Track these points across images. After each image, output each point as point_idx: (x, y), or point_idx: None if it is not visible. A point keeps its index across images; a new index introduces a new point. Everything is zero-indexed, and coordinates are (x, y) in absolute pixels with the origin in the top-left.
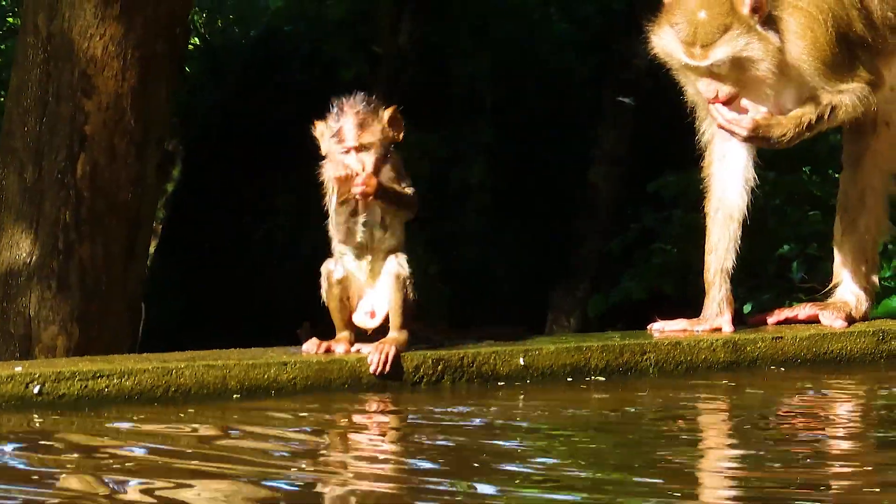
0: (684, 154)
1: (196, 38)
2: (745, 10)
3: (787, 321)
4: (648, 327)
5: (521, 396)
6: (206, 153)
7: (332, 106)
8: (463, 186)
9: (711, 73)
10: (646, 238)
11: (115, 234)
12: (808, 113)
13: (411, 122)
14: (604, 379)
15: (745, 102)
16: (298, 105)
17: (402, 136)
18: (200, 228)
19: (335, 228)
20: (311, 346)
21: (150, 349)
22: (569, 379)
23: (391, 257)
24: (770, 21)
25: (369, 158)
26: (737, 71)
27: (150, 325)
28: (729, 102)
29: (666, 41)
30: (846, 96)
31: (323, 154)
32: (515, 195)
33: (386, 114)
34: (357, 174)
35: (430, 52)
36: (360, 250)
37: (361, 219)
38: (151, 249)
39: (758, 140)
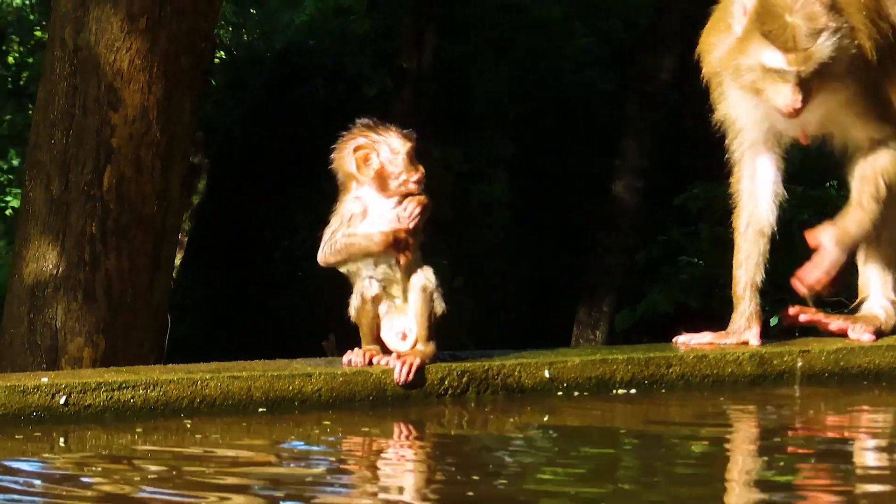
0: (709, 166)
1: (221, 52)
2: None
3: (818, 323)
4: (674, 340)
5: (546, 418)
6: (230, 167)
7: (364, 121)
8: (485, 201)
9: (801, 78)
10: (671, 251)
11: (141, 246)
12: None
13: (434, 137)
14: (629, 391)
15: None
16: (321, 120)
17: None
18: (225, 241)
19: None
20: (357, 357)
21: (175, 361)
22: (594, 391)
23: (418, 271)
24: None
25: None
26: (824, 76)
27: (175, 337)
28: (799, 113)
29: (756, 50)
30: (887, 158)
31: (363, 177)
32: (537, 209)
33: None
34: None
35: (453, 67)
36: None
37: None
38: (177, 261)
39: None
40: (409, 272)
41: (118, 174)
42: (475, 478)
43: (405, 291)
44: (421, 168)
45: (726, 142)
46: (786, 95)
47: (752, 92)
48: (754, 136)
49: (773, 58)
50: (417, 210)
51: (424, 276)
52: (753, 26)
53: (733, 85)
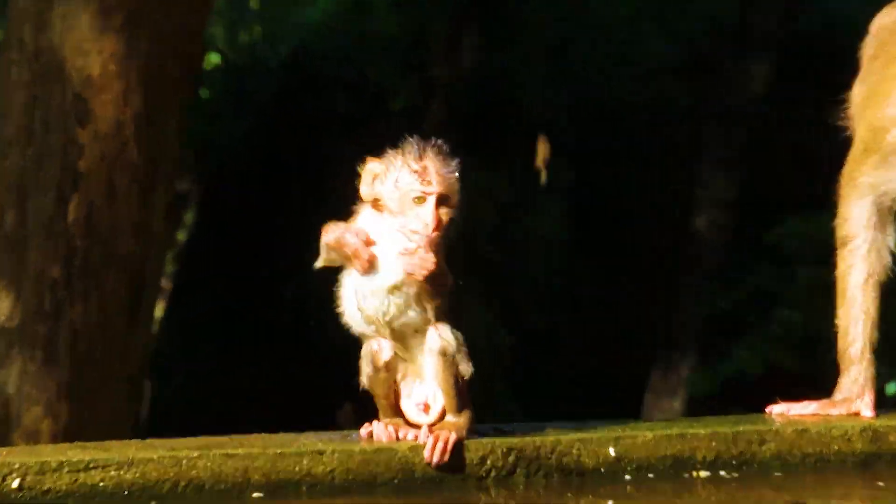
0: (808, 196)
1: (216, 56)
2: None
3: None
4: (767, 410)
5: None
6: (225, 195)
7: (411, 143)
8: (536, 238)
9: None
10: (762, 299)
11: (115, 292)
12: None
13: (474, 161)
14: (713, 474)
15: None
16: (338, 139)
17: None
18: (218, 286)
19: (356, 297)
20: (380, 431)
21: (155, 434)
22: (671, 474)
23: (430, 330)
24: None
25: (447, 214)
26: None
27: (155, 405)
28: None
29: None
30: None
31: (364, 200)
32: (599, 249)
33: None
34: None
35: (496, 76)
36: (377, 328)
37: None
38: (158, 312)
39: None
40: (412, 331)
41: (87, 204)
42: None
43: (412, 354)
44: (433, 218)
45: (848, 167)
46: None
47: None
48: None
49: None
50: (421, 266)
51: (440, 336)
52: None
53: None
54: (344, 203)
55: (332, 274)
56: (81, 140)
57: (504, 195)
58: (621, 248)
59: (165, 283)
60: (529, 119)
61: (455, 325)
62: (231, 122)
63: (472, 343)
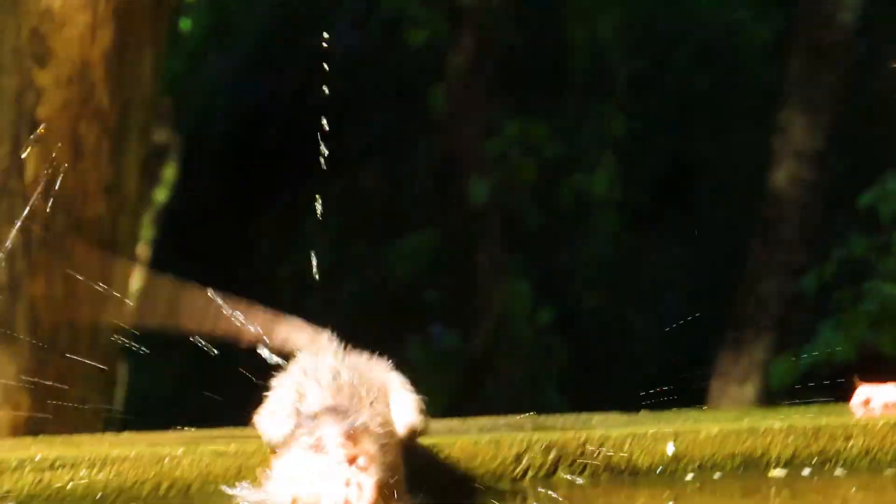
0: None
1: None
2: None
3: None
4: (852, 399)
5: None
6: (212, 148)
7: (305, 381)
8: (584, 198)
9: None
10: (854, 272)
11: (82, 263)
12: None
13: (509, 106)
14: (791, 473)
15: None
16: (347, 80)
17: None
18: (204, 255)
19: None
20: None
21: (132, 426)
22: (741, 474)
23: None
24: None
25: (368, 481)
26: None
27: (132, 392)
28: None
29: None
30: None
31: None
32: (659, 211)
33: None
34: None
35: (537, 5)
36: None
37: None
38: (134, 285)
39: None
40: None
41: (48, 159)
42: None
43: None
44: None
45: None
46: None
47: None
48: None
49: None
50: None
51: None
52: None
53: None
54: (351, 152)
55: (335, 241)
56: (40, 84)
57: (547, 149)
58: (684, 209)
59: (143, 251)
60: (576, 54)
61: (487, 304)
62: (216, 61)
63: (511, 322)
